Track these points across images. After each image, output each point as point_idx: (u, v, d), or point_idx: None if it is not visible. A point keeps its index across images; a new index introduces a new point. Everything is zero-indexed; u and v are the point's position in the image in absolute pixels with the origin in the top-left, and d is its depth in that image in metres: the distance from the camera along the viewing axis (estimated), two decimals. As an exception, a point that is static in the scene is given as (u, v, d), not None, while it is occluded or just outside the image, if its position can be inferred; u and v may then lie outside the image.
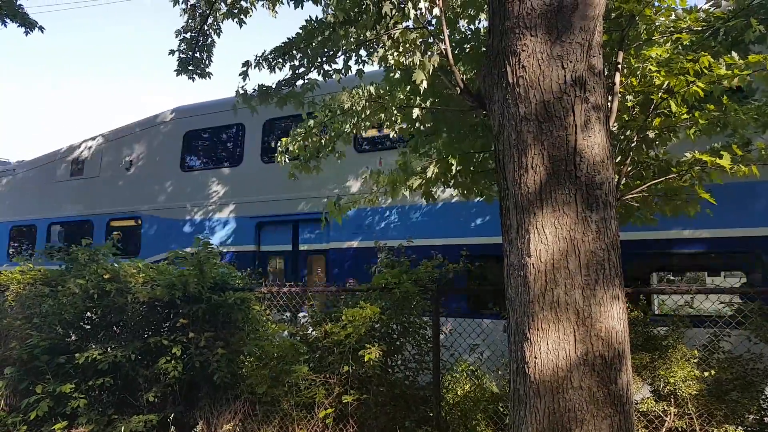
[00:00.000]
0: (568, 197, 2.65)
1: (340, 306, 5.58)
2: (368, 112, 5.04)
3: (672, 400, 4.35)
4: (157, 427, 5.32)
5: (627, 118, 4.48)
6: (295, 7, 6.37)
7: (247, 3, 6.88)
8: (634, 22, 4.18)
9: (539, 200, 2.69)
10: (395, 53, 4.50)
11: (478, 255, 7.15)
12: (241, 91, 6.12)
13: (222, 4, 7.03)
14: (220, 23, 7.36)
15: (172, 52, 7.36)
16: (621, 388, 2.60)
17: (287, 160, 5.84)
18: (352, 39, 5.29)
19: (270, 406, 5.19)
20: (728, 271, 8.63)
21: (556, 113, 2.70)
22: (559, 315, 2.60)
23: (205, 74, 7.61)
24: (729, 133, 4.28)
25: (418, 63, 4.35)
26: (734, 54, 3.94)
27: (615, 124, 4.25)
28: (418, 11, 4.50)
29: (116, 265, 5.95)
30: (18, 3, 9.75)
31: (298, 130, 5.64)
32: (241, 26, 6.95)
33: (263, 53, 6.15)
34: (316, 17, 5.72)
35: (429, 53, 4.49)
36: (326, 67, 6.00)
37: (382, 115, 5.05)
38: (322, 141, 5.52)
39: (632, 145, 4.44)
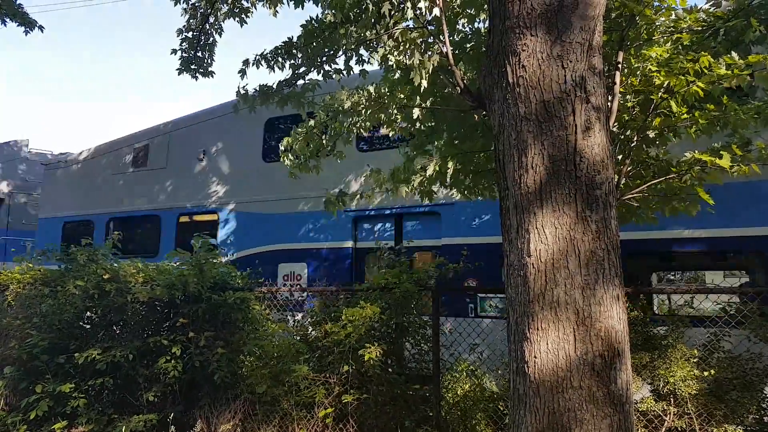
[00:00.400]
0: (568, 197, 2.65)
1: (339, 305, 5.58)
2: (368, 112, 5.05)
3: (671, 399, 4.35)
4: (157, 427, 5.33)
5: (627, 118, 4.48)
6: (296, 7, 6.37)
7: (247, 2, 6.89)
8: (634, 22, 4.18)
9: (539, 200, 2.69)
10: (395, 53, 4.50)
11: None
12: (242, 91, 6.13)
13: (223, 4, 7.03)
14: (222, 22, 7.36)
15: (174, 51, 7.36)
16: (621, 388, 2.60)
17: (290, 160, 5.83)
18: (352, 38, 5.29)
19: (270, 405, 5.19)
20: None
21: (556, 113, 2.70)
22: (559, 315, 2.60)
23: (207, 73, 7.60)
24: (729, 133, 4.28)
25: (417, 63, 4.35)
26: (734, 54, 3.94)
27: (615, 124, 4.25)
28: (418, 11, 4.50)
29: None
30: (17, 2, 9.76)
31: (299, 129, 5.65)
32: (242, 25, 6.96)
33: (263, 52, 6.15)
34: (317, 17, 5.73)
35: (429, 53, 4.49)
36: (326, 67, 6.01)
37: (383, 115, 5.05)
38: (324, 140, 5.54)
39: (632, 145, 4.44)
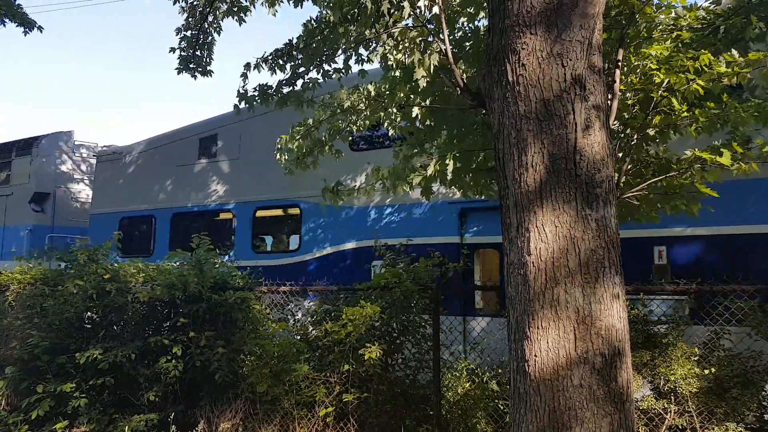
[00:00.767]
0: (568, 195, 2.65)
1: (339, 305, 5.58)
2: (368, 112, 5.04)
3: (672, 397, 4.35)
4: (157, 426, 5.33)
5: (627, 116, 4.47)
6: (295, 6, 6.37)
7: (246, 2, 6.88)
8: (634, 20, 4.17)
9: (539, 198, 2.68)
10: (395, 52, 4.50)
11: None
12: (242, 91, 6.13)
13: (222, 3, 7.02)
14: (220, 21, 7.36)
15: (173, 50, 7.35)
16: (621, 386, 2.60)
17: (286, 158, 5.84)
18: (351, 38, 5.29)
19: (270, 404, 5.19)
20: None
21: (556, 111, 2.70)
22: (559, 313, 2.60)
23: (206, 72, 7.59)
24: (729, 131, 4.27)
25: (417, 61, 4.34)
26: (734, 52, 3.93)
27: (615, 123, 4.25)
28: (417, 9, 4.49)
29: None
30: (17, 2, 9.75)
31: (297, 128, 5.65)
32: (240, 24, 6.95)
33: (263, 55, 6.15)
34: (317, 17, 5.72)
35: (428, 52, 4.48)
36: (326, 66, 6.00)
37: (382, 114, 5.05)
38: (324, 137, 5.54)
39: (632, 143, 4.43)
